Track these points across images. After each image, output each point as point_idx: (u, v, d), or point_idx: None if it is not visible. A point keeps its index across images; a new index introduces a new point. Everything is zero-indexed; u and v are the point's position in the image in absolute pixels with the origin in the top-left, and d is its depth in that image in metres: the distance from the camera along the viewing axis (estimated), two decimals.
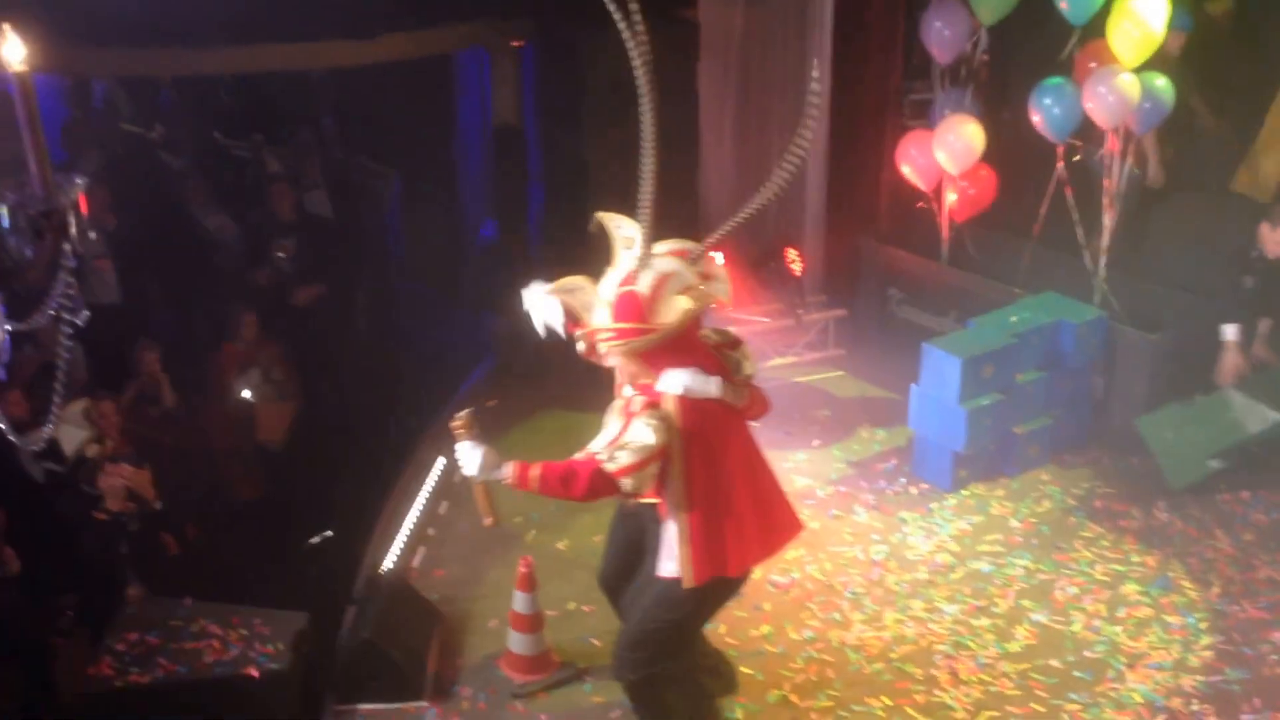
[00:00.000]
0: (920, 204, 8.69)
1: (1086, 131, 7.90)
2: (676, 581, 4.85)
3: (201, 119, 10.37)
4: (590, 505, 7.03)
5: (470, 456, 4.82)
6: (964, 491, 7.30)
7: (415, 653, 5.80)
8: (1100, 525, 7.02)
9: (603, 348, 4.69)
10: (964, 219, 8.63)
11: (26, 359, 6.80)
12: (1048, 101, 7.70)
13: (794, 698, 5.72)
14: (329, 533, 6.55)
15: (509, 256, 9.34)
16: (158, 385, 7.66)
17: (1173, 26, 7.65)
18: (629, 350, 4.64)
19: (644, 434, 4.61)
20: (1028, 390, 7.45)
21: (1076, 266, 7.96)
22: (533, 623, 5.85)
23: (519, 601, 5.82)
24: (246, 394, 7.87)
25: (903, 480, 7.44)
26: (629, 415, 4.69)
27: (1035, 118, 7.78)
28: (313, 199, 9.44)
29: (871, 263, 9.09)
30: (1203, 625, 6.19)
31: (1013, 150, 8.49)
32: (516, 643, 5.86)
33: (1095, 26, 7.70)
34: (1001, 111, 8.68)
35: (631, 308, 4.60)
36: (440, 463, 7.42)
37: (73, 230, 3.16)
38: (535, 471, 4.71)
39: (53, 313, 3.35)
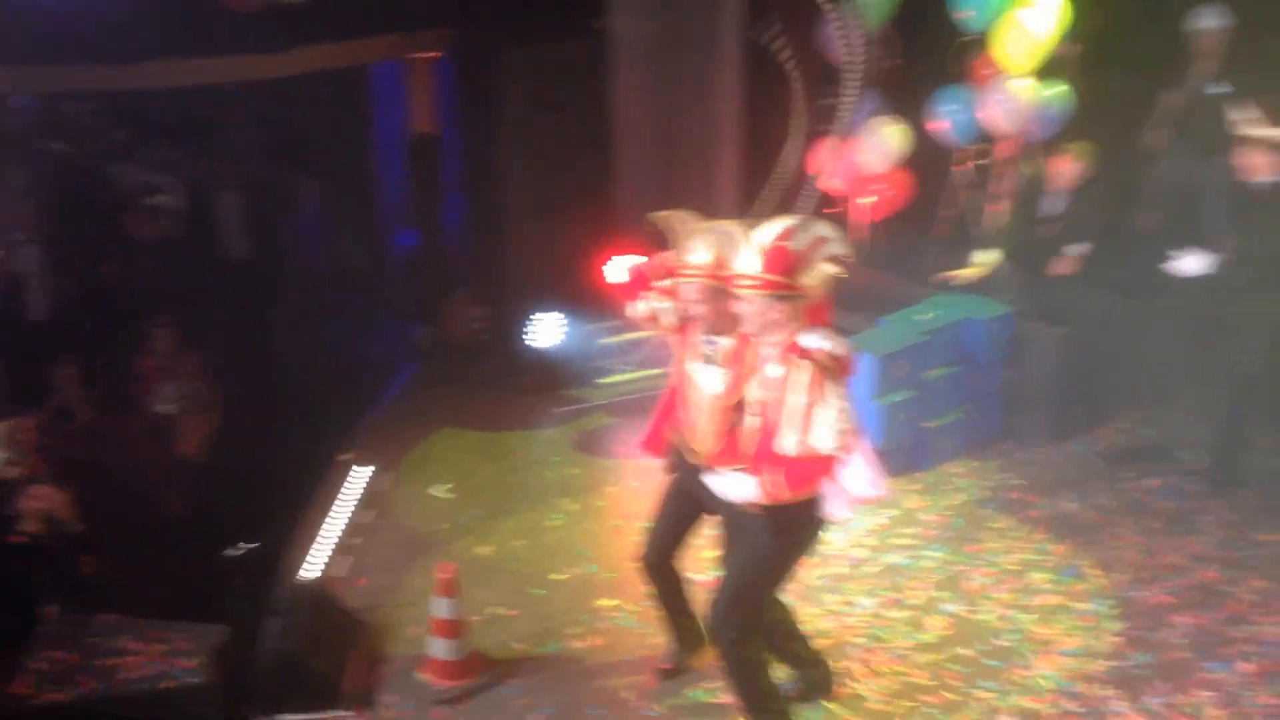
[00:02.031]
0: (830, 209, 8.80)
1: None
2: (768, 533, 4.97)
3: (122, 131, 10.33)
4: (510, 510, 7.28)
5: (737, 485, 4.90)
6: None
7: (337, 662, 5.82)
8: (1011, 516, 7.18)
9: (745, 293, 4.82)
10: (878, 220, 8.79)
11: None
12: (949, 108, 7.87)
13: (713, 694, 5.79)
14: (251, 544, 6.54)
15: (429, 265, 9.39)
16: (76, 401, 7.63)
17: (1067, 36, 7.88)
18: (768, 299, 4.76)
19: (844, 407, 4.74)
20: (939, 386, 7.60)
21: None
22: (455, 628, 5.88)
23: (440, 607, 5.85)
24: (165, 407, 7.84)
25: None
26: (813, 393, 4.73)
27: (937, 124, 7.95)
28: (226, 199, 9.41)
29: None
30: (1110, 611, 6.34)
31: (921, 152, 8.66)
32: (439, 648, 5.88)
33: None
34: (909, 115, 8.85)
35: (784, 262, 4.74)
36: (364, 471, 7.46)
37: None
38: (787, 487, 4.80)
39: None
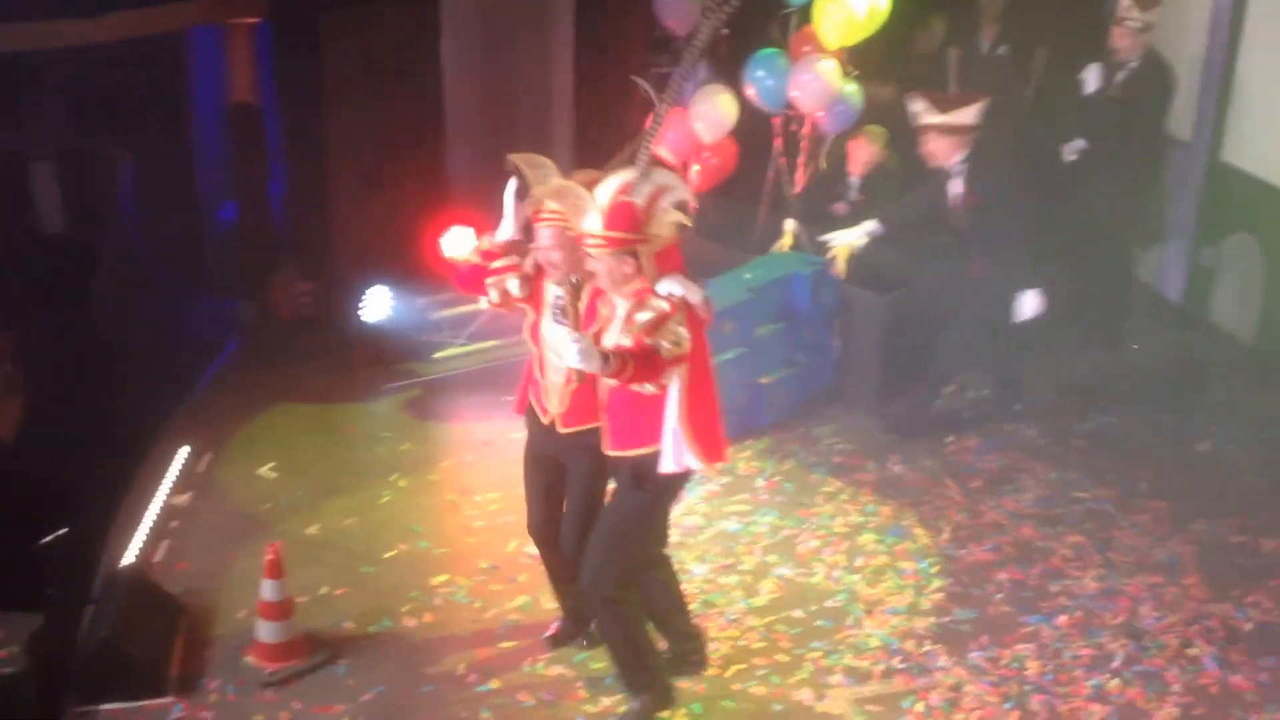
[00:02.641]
0: None
1: None
2: (634, 490, 5.02)
3: None
4: (340, 488, 7.15)
5: (568, 345, 4.64)
6: None
7: (158, 648, 5.67)
8: (840, 480, 7.32)
9: (592, 252, 4.84)
10: (706, 189, 8.82)
11: None
12: (760, 74, 7.93)
13: (548, 666, 5.79)
14: (65, 529, 6.32)
15: (252, 238, 9.16)
16: None
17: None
18: (616, 255, 4.80)
19: (680, 332, 4.78)
20: (768, 342, 7.68)
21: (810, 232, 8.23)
22: (281, 610, 5.76)
23: (267, 589, 5.73)
24: None
25: None
26: (658, 317, 4.78)
27: (749, 90, 8.02)
28: (35, 171, 9.04)
29: None
30: (934, 569, 6.51)
31: (749, 122, 8.72)
32: (266, 631, 5.76)
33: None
34: (738, 85, 8.90)
35: (627, 217, 4.76)
36: (184, 452, 7.27)
37: None
38: (630, 366, 4.70)
39: None
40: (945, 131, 7.17)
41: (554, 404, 5.30)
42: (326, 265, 8.72)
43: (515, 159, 5.08)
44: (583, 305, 5.14)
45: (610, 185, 4.84)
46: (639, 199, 4.80)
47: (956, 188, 7.28)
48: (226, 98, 9.14)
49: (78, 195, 9.24)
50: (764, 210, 8.56)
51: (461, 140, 9.10)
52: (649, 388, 4.90)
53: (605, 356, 4.65)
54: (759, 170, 8.58)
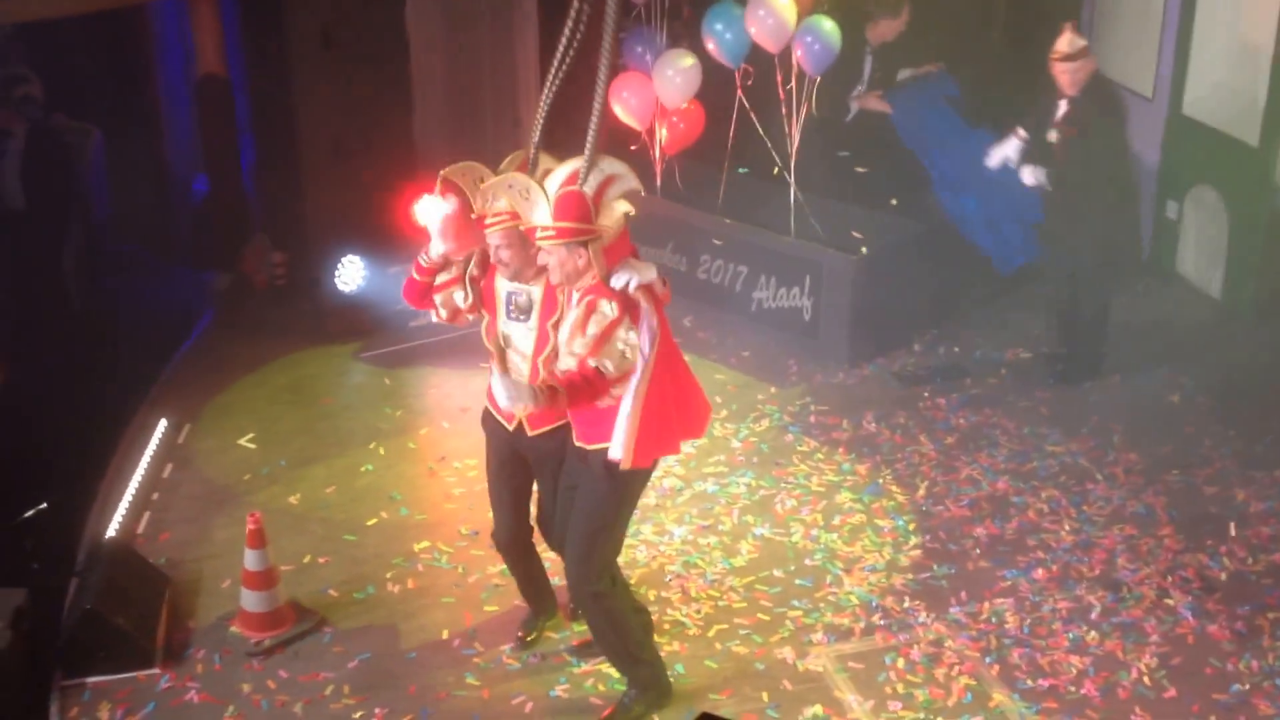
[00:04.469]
0: (634, 147, 8.80)
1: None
2: (606, 480, 4.98)
3: None
4: (319, 457, 7.18)
5: (505, 388, 4.67)
6: None
7: (143, 620, 5.69)
8: (815, 439, 7.37)
9: (543, 244, 4.79)
10: (675, 152, 8.82)
11: None
12: (719, 27, 7.90)
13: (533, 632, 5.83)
14: (45, 504, 6.33)
15: (223, 210, 9.14)
16: None
17: None
18: (569, 246, 4.74)
19: (629, 338, 4.75)
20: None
21: (781, 191, 8.25)
22: (265, 579, 5.78)
23: (249, 559, 5.76)
24: None
25: None
26: (606, 328, 4.75)
27: (709, 45, 7.99)
28: (6, 146, 8.98)
29: None
30: (911, 526, 6.59)
31: (715, 84, 8.69)
32: (250, 600, 5.79)
33: None
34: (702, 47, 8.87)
35: (576, 207, 4.71)
36: (162, 425, 7.27)
37: None
38: (563, 396, 4.69)
39: None
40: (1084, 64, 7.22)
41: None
42: (299, 235, 8.71)
43: (446, 173, 4.98)
44: (538, 302, 5.06)
45: (558, 176, 4.78)
46: (588, 188, 4.74)
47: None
48: (194, 70, 9.10)
49: (47, 170, 9.20)
50: (726, 167, 8.53)
51: (429, 108, 9.06)
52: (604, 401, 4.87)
53: (536, 392, 4.64)
54: (727, 133, 8.55)
